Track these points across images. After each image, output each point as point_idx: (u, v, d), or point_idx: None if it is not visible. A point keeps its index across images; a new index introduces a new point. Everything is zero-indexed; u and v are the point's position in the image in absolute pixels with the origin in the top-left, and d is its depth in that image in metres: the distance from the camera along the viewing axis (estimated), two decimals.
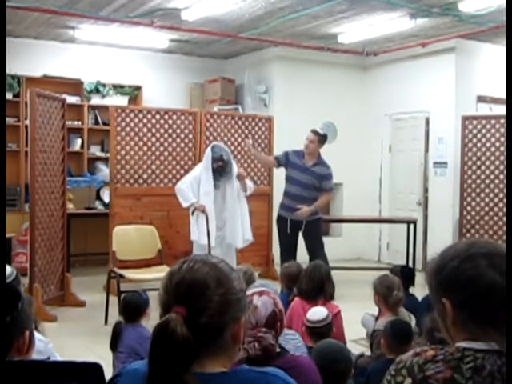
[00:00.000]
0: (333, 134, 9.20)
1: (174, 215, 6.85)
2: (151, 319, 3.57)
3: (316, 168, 6.52)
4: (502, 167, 7.21)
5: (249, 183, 6.41)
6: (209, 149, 6.15)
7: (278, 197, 7.83)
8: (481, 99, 8.31)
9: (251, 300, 2.25)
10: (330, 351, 2.73)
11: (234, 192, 6.19)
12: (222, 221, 6.14)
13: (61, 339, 4.26)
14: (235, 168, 6.26)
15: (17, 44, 7.92)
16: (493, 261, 1.30)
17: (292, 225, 6.49)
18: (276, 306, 2.28)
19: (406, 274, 4.55)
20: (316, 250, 6.50)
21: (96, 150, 8.70)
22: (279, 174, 7.92)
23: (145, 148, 6.88)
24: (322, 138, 6.57)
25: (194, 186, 6.03)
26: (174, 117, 7.05)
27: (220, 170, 6.05)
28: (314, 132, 6.61)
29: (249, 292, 2.31)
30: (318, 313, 3.33)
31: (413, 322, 4.04)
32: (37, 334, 1.89)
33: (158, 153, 6.96)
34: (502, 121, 7.15)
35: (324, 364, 2.52)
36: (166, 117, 7.00)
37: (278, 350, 2.25)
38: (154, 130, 6.92)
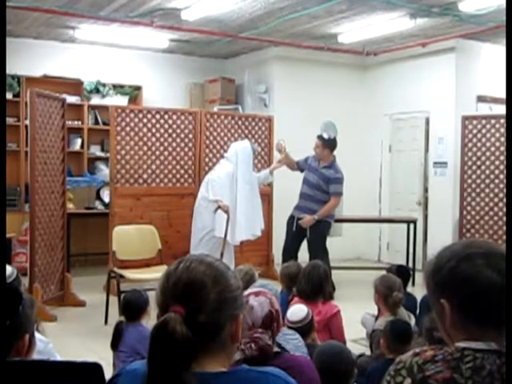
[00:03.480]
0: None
1: (174, 215, 6.86)
2: (151, 319, 3.57)
3: (324, 170, 6.68)
4: (502, 167, 7.20)
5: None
6: (248, 146, 6.34)
7: (278, 197, 7.86)
8: (481, 99, 8.31)
9: (247, 300, 2.25)
10: (331, 353, 2.72)
11: (252, 188, 6.40)
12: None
13: (61, 339, 4.26)
14: None
15: (17, 44, 7.92)
16: (490, 260, 1.30)
17: (298, 223, 6.59)
18: (272, 306, 2.28)
19: (402, 274, 4.55)
20: (316, 256, 6.22)
21: (96, 150, 8.70)
22: (279, 175, 7.93)
23: (145, 148, 6.88)
24: (326, 143, 6.71)
25: (227, 184, 6.05)
26: (174, 117, 7.05)
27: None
28: (318, 137, 6.80)
29: (245, 292, 2.32)
30: (297, 313, 3.30)
31: (412, 321, 4.04)
32: (37, 334, 1.89)
33: (157, 153, 6.96)
34: (502, 121, 7.15)
35: (325, 366, 2.52)
36: (166, 117, 7.00)
37: (275, 349, 2.25)
38: (154, 130, 6.92)
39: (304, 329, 3.20)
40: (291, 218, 6.73)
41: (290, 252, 6.49)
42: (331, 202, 6.62)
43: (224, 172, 6.16)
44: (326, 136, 6.80)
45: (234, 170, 6.17)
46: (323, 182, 6.62)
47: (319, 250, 6.49)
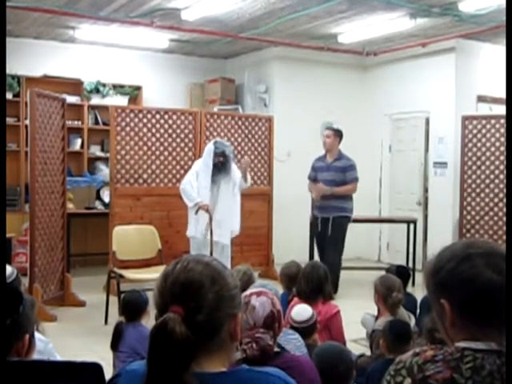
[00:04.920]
0: None
1: (174, 215, 6.86)
2: (151, 319, 3.57)
3: (337, 162, 6.84)
4: (502, 167, 7.20)
5: (248, 176, 6.45)
6: (211, 144, 6.12)
7: (277, 197, 7.86)
8: (481, 99, 8.31)
9: (249, 300, 2.25)
10: (330, 354, 2.72)
11: (228, 189, 6.18)
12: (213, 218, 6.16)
13: (61, 339, 4.26)
14: (234, 166, 6.28)
15: (17, 44, 7.92)
16: (490, 260, 1.30)
17: (322, 222, 6.78)
18: (274, 307, 2.28)
19: (401, 274, 4.55)
20: (335, 250, 6.71)
21: (96, 150, 8.70)
22: (279, 175, 7.94)
23: (145, 148, 6.88)
24: (337, 132, 6.94)
25: (195, 183, 6.04)
26: (174, 117, 7.05)
27: (219, 166, 6.04)
28: (328, 128, 7.03)
29: (247, 292, 2.32)
30: (302, 313, 3.29)
31: (412, 321, 4.04)
32: (37, 334, 1.89)
33: (158, 153, 6.96)
34: (502, 121, 7.15)
35: (324, 367, 2.52)
36: (166, 117, 7.00)
37: (276, 349, 2.25)
38: (154, 130, 6.92)
39: (308, 329, 3.20)
40: (314, 219, 6.91)
41: (320, 251, 6.84)
42: (349, 186, 6.80)
43: (191, 172, 6.17)
44: (335, 126, 7.01)
45: (199, 168, 6.16)
46: (339, 173, 6.78)
47: (338, 245, 6.79)
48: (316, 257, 6.95)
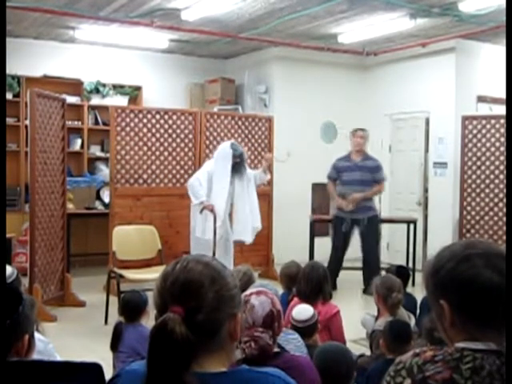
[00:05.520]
0: (332, 134, 9.22)
1: (174, 215, 6.86)
2: (150, 319, 3.57)
3: (366, 162, 7.01)
4: (502, 167, 7.20)
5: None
6: (227, 146, 6.17)
7: (277, 197, 7.86)
8: (481, 99, 8.31)
9: (249, 299, 2.24)
10: (331, 354, 2.72)
11: (243, 188, 6.26)
12: (225, 218, 6.18)
13: (61, 339, 4.26)
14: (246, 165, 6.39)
15: (17, 44, 7.91)
16: (489, 260, 1.30)
17: (350, 224, 6.91)
18: (273, 306, 2.27)
19: (401, 274, 4.55)
20: (371, 250, 6.93)
21: (96, 150, 8.70)
22: (279, 175, 7.94)
23: (145, 148, 6.88)
24: (367, 133, 7.17)
25: (205, 183, 6.05)
26: (174, 117, 7.06)
27: (236, 167, 6.13)
28: (361, 129, 7.17)
29: (247, 292, 2.32)
30: (303, 312, 3.30)
31: (412, 321, 4.05)
32: (37, 335, 1.89)
33: (158, 153, 6.96)
34: (502, 121, 7.15)
35: (325, 367, 2.51)
36: (166, 117, 7.00)
37: (276, 349, 2.25)
38: (154, 130, 6.92)
39: (309, 329, 3.20)
40: (339, 220, 6.99)
41: (339, 253, 6.98)
42: (378, 187, 7.02)
43: (203, 171, 6.17)
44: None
45: (213, 168, 6.17)
46: (369, 173, 6.93)
47: (377, 244, 7.03)
48: (316, 256, 6.94)
